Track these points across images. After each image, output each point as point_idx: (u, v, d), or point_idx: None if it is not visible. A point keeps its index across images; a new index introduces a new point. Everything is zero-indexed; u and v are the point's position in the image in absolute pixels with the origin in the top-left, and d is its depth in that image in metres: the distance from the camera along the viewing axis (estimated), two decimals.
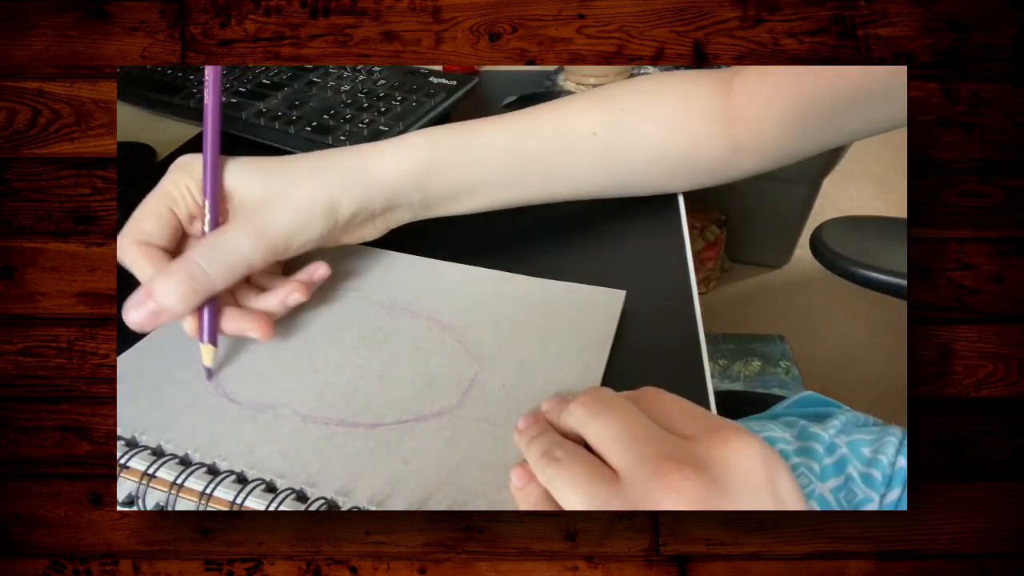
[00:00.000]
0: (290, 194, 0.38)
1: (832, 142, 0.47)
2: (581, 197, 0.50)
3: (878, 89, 0.40)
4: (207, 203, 0.37)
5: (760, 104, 0.45)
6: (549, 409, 0.34)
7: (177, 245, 0.38)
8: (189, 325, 0.37)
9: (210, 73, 0.37)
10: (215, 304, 0.37)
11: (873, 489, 0.53)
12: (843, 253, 0.92)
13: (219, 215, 0.38)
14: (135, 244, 0.37)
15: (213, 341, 0.37)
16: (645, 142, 0.47)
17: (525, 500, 0.31)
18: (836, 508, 0.52)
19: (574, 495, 0.27)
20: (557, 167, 0.47)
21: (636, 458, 0.27)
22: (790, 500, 0.26)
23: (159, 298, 0.35)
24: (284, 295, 0.39)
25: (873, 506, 0.52)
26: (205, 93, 0.37)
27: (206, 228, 0.38)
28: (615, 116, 0.46)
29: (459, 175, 0.44)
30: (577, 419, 0.31)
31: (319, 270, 0.41)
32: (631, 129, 0.47)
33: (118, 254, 0.37)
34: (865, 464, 0.55)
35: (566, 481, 0.28)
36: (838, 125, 0.44)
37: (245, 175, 0.38)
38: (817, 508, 0.51)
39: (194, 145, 0.67)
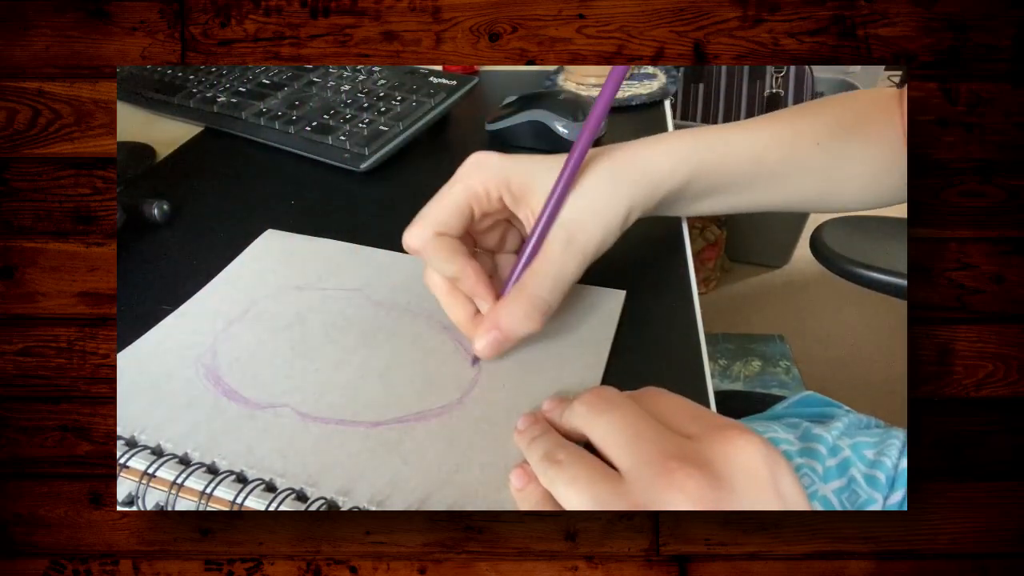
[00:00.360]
0: (597, 211, 0.38)
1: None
2: (792, 209, 0.50)
3: None
4: (541, 226, 0.37)
5: None
6: (550, 409, 0.34)
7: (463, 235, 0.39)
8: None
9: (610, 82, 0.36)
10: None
11: (877, 490, 0.53)
12: (843, 253, 0.92)
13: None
14: (434, 234, 0.37)
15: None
16: (858, 157, 0.47)
17: (525, 501, 0.31)
18: (808, 504, 0.52)
19: (576, 496, 0.27)
20: (787, 176, 0.47)
21: (640, 457, 0.27)
22: (793, 498, 0.26)
23: (508, 328, 0.37)
24: None
25: (876, 508, 0.52)
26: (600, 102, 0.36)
27: (531, 245, 0.38)
28: (837, 129, 0.46)
29: (712, 181, 0.44)
30: (581, 418, 0.31)
31: None
32: (850, 145, 0.47)
33: (412, 241, 0.38)
34: (868, 466, 0.55)
35: (568, 482, 0.28)
36: None
37: (546, 184, 0.38)
38: (820, 508, 0.51)
39: (194, 145, 0.67)
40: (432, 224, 0.37)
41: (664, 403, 0.30)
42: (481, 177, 0.38)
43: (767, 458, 0.26)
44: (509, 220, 0.41)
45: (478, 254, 0.41)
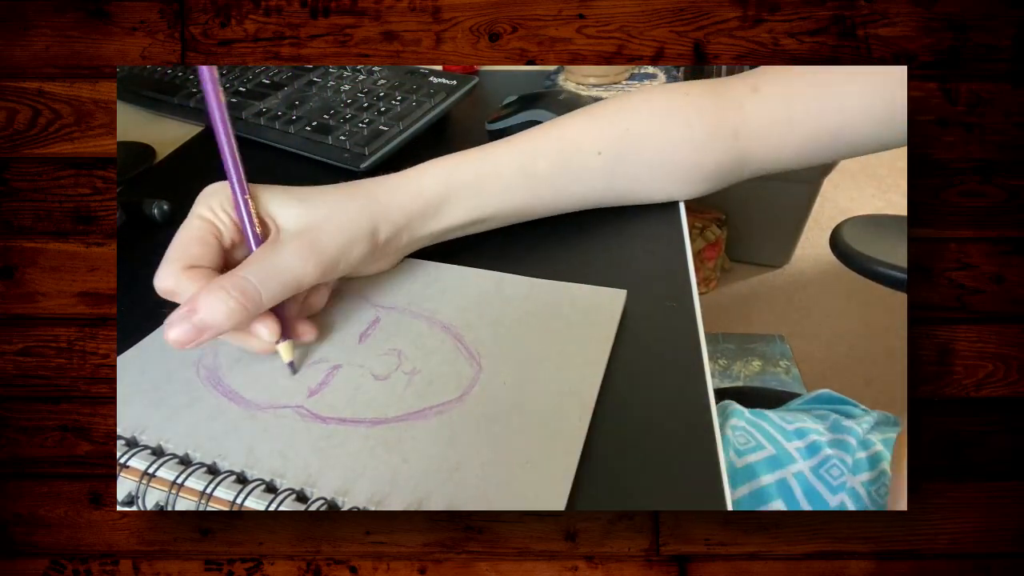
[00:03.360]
0: (336, 218, 0.39)
1: (837, 157, 0.48)
2: (586, 208, 0.51)
3: (882, 110, 0.42)
4: (246, 224, 0.37)
5: (778, 124, 0.46)
6: None
7: (222, 270, 0.38)
8: (264, 335, 0.37)
9: (208, 83, 0.36)
10: (287, 309, 0.38)
11: None
12: (863, 251, 0.93)
13: (261, 239, 0.38)
14: (184, 269, 0.36)
15: (288, 336, 0.38)
16: (650, 158, 0.48)
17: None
18: (867, 502, 0.52)
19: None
20: (564, 185, 0.48)
21: None
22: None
23: (205, 314, 0.34)
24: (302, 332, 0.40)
25: None
26: (210, 110, 0.36)
27: (252, 247, 0.37)
28: (619, 136, 0.47)
29: (473, 203, 0.45)
30: None
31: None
32: (633, 147, 0.48)
33: (164, 283, 0.36)
34: None
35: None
36: (845, 143, 0.46)
37: (284, 203, 0.38)
38: (848, 501, 0.52)
39: (194, 144, 0.67)
40: (178, 260, 0.36)
41: None
42: (210, 203, 0.38)
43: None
44: None
45: None
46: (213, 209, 0.38)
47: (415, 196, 0.42)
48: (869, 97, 0.43)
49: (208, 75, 0.35)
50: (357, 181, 0.42)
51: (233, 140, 0.37)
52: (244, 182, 0.37)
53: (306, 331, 0.40)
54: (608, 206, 0.51)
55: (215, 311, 0.34)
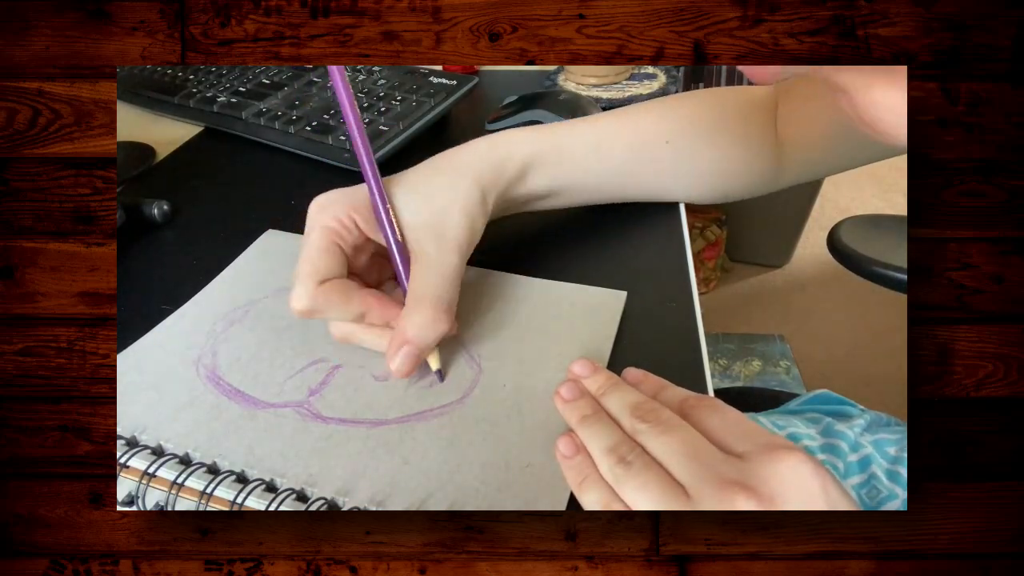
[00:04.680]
0: (454, 202, 0.39)
1: (864, 161, 0.49)
2: (648, 199, 0.52)
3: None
4: (389, 235, 0.38)
5: (804, 127, 0.48)
6: (585, 376, 0.35)
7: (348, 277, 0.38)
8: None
9: (336, 75, 0.36)
10: None
11: (899, 485, 0.54)
12: (861, 251, 0.92)
13: (401, 242, 0.38)
14: (317, 286, 0.36)
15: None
16: (710, 153, 0.49)
17: (573, 471, 0.31)
18: (859, 505, 0.52)
19: (647, 503, 0.29)
20: (634, 169, 0.49)
21: (702, 479, 0.28)
22: (842, 505, 0.28)
23: (417, 338, 0.36)
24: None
25: (897, 503, 0.53)
26: (345, 116, 0.37)
27: (396, 255, 0.38)
28: (685, 127, 0.48)
29: (552, 172, 0.46)
30: (630, 427, 0.32)
31: None
32: (699, 140, 0.49)
33: (301, 303, 0.36)
34: (891, 462, 0.56)
35: (639, 489, 0.29)
36: (870, 147, 0.47)
37: (405, 201, 0.39)
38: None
39: (194, 145, 0.67)
40: (311, 277, 0.36)
41: (715, 419, 0.31)
42: (330, 213, 0.38)
43: (815, 472, 0.28)
44: (380, 253, 0.41)
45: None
46: (337, 217, 0.37)
47: (506, 160, 0.43)
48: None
49: (339, 75, 0.36)
50: (449, 151, 0.42)
51: (369, 146, 0.37)
52: (382, 188, 0.38)
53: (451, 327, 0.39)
54: (668, 200, 0.52)
55: (425, 332, 0.36)
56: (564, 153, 0.46)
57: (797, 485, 0.27)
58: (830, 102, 0.45)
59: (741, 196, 0.52)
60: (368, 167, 0.37)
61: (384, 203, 0.38)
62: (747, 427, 0.31)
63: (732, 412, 0.32)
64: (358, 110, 0.37)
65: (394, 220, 0.38)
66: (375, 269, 0.42)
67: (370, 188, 0.38)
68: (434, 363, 0.38)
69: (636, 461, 0.30)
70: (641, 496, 0.29)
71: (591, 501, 0.30)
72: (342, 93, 0.36)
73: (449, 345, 0.40)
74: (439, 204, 0.39)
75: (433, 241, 0.38)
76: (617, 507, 0.30)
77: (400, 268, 0.38)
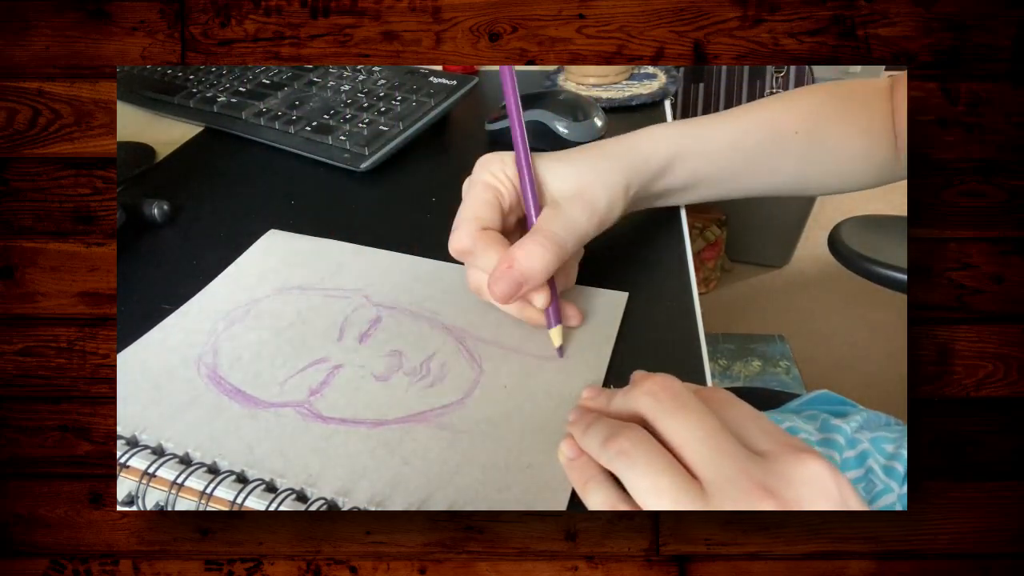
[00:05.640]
0: (600, 178, 0.41)
1: None
2: (777, 194, 0.53)
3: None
4: (528, 192, 0.39)
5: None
6: (591, 398, 0.34)
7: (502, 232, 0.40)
8: (538, 303, 0.39)
9: (507, 75, 0.39)
10: (555, 288, 0.40)
11: (894, 479, 0.54)
12: (861, 251, 0.92)
13: (538, 204, 0.40)
14: (479, 231, 0.38)
15: (559, 321, 0.39)
16: (837, 143, 0.50)
17: (577, 472, 0.31)
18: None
19: (657, 500, 0.27)
20: (765, 162, 0.49)
21: (724, 475, 0.27)
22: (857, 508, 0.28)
23: (524, 265, 0.36)
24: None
25: (892, 498, 0.53)
26: (506, 95, 0.39)
27: (532, 210, 0.39)
28: (811, 118, 0.49)
29: (693, 165, 0.47)
30: (646, 409, 0.30)
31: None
32: (825, 131, 0.50)
33: (462, 243, 0.38)
34: (888, 458, 0.56)
35: (648, 488, 0.28)
36: None
37: (554, 170, 0.41)
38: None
39: (194, 145, 0.67)
40: (473, 222, 0.38)
41: (733, 410, 0.30)
42: (492, 169, 0.40)
43: (836, 480, 0.27)
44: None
45: None
46: (495, 174, 0.40)
47: (651, 154, 0.45)
48: None
49: (507, 71, 0.39)
50: (600, 142, 0.45)
51: (523, 121, 0.39)
52: (530, 155, 0.39)
53: (573, 315, 0.41)
54: (795, 194, 0.53)
55: (533, 261, 0.36)
56: (705, 148, 0.47)
57: (818, 491, 0.27)
58: None
59: (866, 186, 0.53)
60: (518, 127, 0.39)
61: (527, 157, 0.39)
62: (766, 424, 0.30)
63: (747, 406, 0.31)
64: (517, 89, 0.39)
65: (536, 182, 0.40)
66: (521, 234, 0.42)
67: (516, 146, 0.39)
68: (556, 339, 0.39)
69: (634, 450, 0.28)
70: (651, 498, 0.27)
71: (597, 503, 0.30)
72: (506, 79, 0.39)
73: (450, 345, 0.40)
74: (586, 179, 0.41)
75: (572, 197, 0.40)
76: (624, 507, 0.29)
77: (530, 203, 0.39)
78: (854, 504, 0.28)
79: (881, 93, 0.50)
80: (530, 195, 0.39)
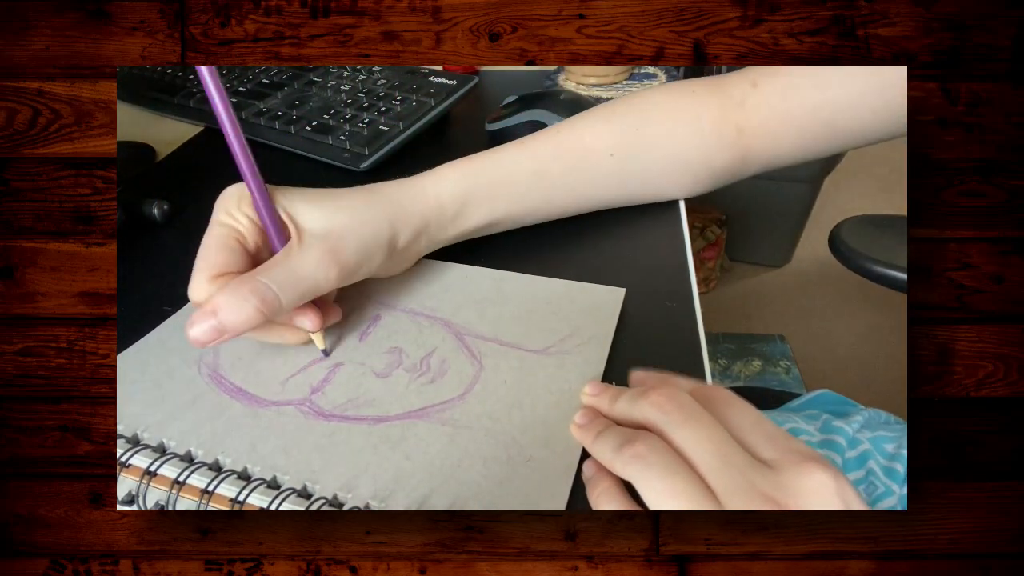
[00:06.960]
0: (357, 225, 0.38)
1: (836, 149, 0.48)
2: (597, 209, 0.51)
3: (878, 101, 0.42)
4: (268, 227, 0.37)
5: (777, 119, 0.47)
6: (595, 393, 0.34)
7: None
8: (307, 326, 0.38)
9: (210, 83, 0.34)
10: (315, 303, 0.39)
11: (894, 481, 0.54)
12: (862, 251, 0.92)
13: (282, 240, 0.37)
14: (212, 279, 0.36)
15: (322, 326, 0.39)
16: (659, 156, 0.49)
17: (590, 484, 0.31)
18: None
19: (674, 501, 0.27)
20: (577, 187, 0.48)
21: (732, 487, 0.27)
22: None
23: (224, 316, 0.34)
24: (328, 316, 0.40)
25: (892, 499, 0.53)
26: (216, 111, 0.35)
27: (277, 247, 0.37)
28: (630, 136, 0.48)
29: (488, 207, 0.45)
30: (653, 420, 0.30)
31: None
32: (645, 148, 0.48)
33: (196, 295, 0.36)
34: (888, 459, 0.56)
35: (665, 489, 0.28)
36: (843, 135, 0.46)
37: (305, 206, 0.38)
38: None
39: (194, 144, 0.67)
40: (205, 270, 0.36)
41: (735, 414, 0.30)
42: (227, 208, 0.37)
43: (841, 489, 0.27)
44: None
45: None
46: (232, 213, 0.37)
47: (433, 202, 0.43)
48: (862, 86, 0.43)
49: (209, 75, 0.34)
50: (373, 185, 0.42)
51: (244, 141, 0.36)
52: (262, 183, 0.37)
53: (332, 315, 0.40)
54: (618, 206, 0.51)
55: (235, 315, 0.34)
56: (499, 186, 0.45)
57: (823, 501, 0.27)
58: (808, 95, 0.45)
59: (708, 188, 0.51)
60: (244, 162, 0.36)
61: (263, 197, 0.36)
62: (770, 428, 0.30)
63: (749, 408, 0.31)
64: (232, 111, 0.35)
65: (274, 216, 0.37)
66: None
67: (246, 182, 0.36)
68: (320, 343, 0.39)
69: (651, 455, 0.28)
70: (668, 500, 0.27)
71: (603, 502, 0.30)
72: (209, 85, 0.34)
73: (449, 342, 0.40)
74: (337, 224, 0.38)
75: (317, 250, 0.37)
76: (620, 496, 0.29)
77: (276, 245, 0.37)
78: (855, 506, 0.28)
79: (722, 90, 0.48)
80: (270, 226, 0.37)
